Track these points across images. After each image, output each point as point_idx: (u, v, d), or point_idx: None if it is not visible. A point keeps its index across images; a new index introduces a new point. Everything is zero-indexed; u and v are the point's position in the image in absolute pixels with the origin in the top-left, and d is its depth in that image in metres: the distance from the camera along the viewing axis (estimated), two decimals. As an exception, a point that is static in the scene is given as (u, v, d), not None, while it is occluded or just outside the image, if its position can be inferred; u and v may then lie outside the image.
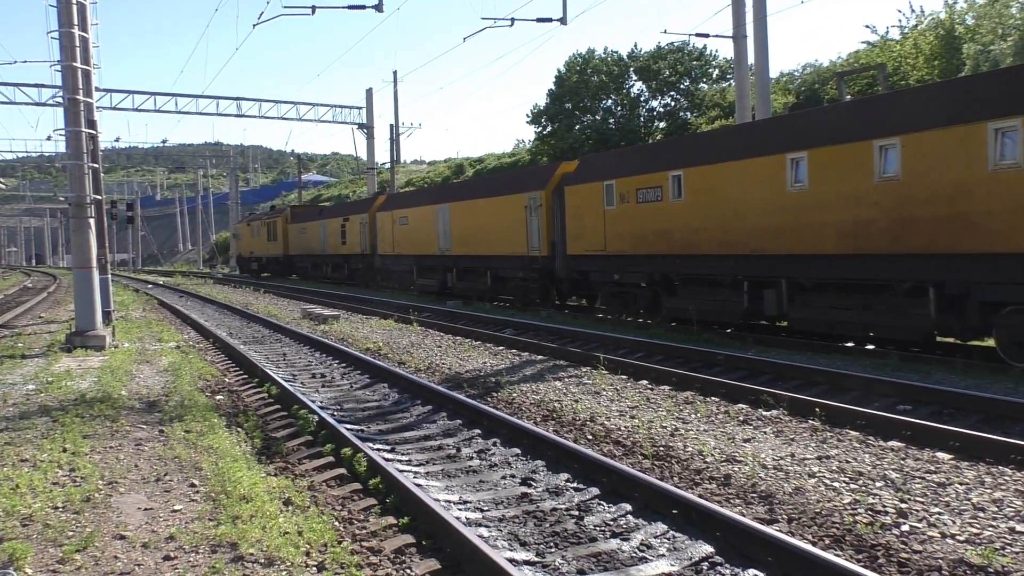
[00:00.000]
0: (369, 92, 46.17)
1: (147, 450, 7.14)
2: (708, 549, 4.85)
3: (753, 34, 20.56)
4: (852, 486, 5.91)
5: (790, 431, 7.63)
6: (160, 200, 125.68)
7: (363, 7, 24.60)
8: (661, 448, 7.13)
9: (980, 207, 10.07)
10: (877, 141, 11.31)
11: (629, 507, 5.64)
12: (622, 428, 7.92)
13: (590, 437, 7.68)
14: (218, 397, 10.14)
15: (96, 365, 12.27)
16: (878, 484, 5.93)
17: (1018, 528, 4.98)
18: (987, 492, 5.67)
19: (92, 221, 15.00)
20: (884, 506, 5.45)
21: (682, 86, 41.42)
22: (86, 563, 4.61)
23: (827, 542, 4.92)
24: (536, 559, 4.81)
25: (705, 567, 4.66)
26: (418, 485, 6.03)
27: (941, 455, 6.63)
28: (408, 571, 4.68)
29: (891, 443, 7.05)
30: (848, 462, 6.51)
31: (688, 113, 40.18)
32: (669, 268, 15.64)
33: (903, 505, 5.44)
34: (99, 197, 15.99)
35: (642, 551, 4.90)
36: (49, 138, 76.44)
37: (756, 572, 4.55)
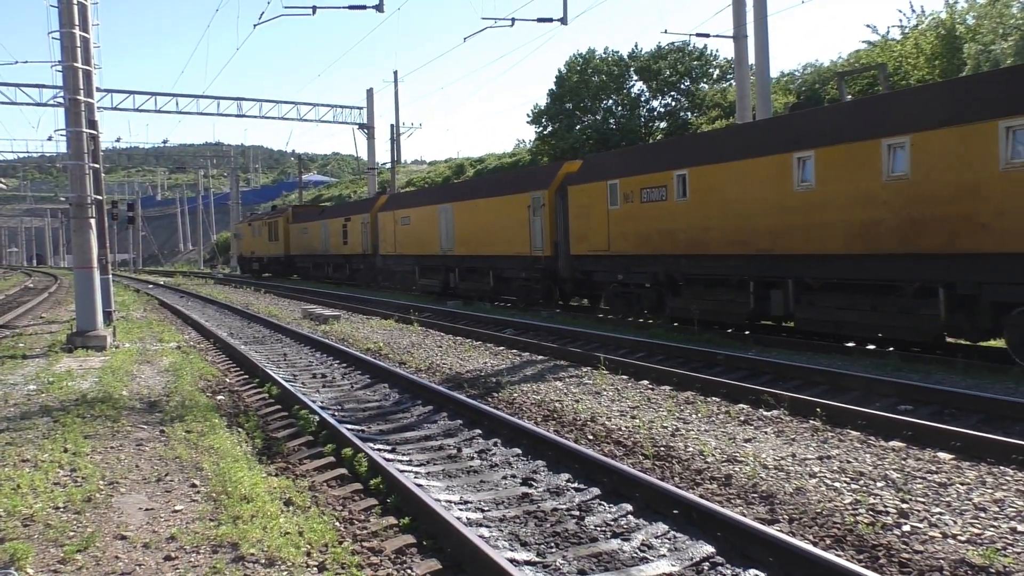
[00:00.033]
0: (370, 92, 46.21)
1: (148, 450, 7.15)
2: (709, 549, 4.85)
3: (754, 34, 20.57)
4: (853, 486, 5.91)
5: (791, 431, 7.62)
6: (161, 200, 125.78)
7: (364, 7, 24.62)
8: (662, 448, 7.13)
9: (991, 207, 9.94)
10: (886, 140, 11.19)
11: (630, 507, 5.63)
12: (623, 428, 7.92)
13: (591, 437, 7.68)
14: (219, 397, 10.14)
15: (97, 365, 12.27)
16: (879, 484, 5.93)
17: (1019, 528, 4.98)
18: (988, 492, 5.67)
19: (93, 221, 15.00)
20: (885, 506, 5.44)
21: (683, 86, 41.44)
22: (87, 563, 4.62)
23: (828, 542, 4.92)
24: (537, 559, 4.81)
25: (706, 567, 4.66)
26: (419, 485, 6.03)
27: (942, 455, 6.63)
28: (409, 571, 4.68)
29: (892, 443, 7.05)
30: (849, 462, 6.51)
31: (689, 113, 40.21)
32: (674, 268, 15.54)
33: (904, 505, 5.44)
34: (100, 197, 15.98)
35: (643, 551, 4.90)
36: (50, 138, 76.60)
37: (757, 572, 4.55)
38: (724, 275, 14.34)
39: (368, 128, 45.86)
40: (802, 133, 12.86)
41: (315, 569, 4.56)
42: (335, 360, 13.26)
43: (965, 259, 10.33)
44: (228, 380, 11.61)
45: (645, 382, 10.38)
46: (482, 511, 5.72)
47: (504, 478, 6.50)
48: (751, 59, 21.21)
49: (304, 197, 70.14)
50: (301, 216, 43.68)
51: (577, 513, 5.59)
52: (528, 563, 4.75)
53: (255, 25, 26.90)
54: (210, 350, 14.96)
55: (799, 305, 12.94)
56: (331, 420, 7.99)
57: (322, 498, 6.00)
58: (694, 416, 8.37)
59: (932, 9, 50.82)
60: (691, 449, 7.06)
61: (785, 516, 5.39)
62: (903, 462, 6.48)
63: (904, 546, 4.79)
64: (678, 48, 41.32)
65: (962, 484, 5.87)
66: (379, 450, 7.25)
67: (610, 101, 42.82)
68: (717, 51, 46.02)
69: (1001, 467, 6.23)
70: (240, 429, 8.21)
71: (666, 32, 53.68)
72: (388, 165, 46.63)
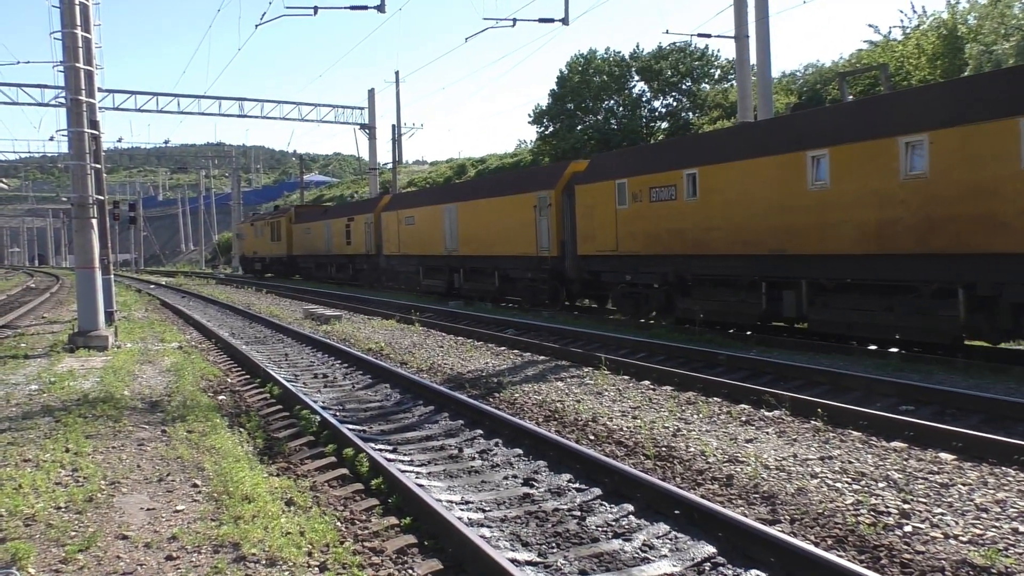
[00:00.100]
0: (371, 92, 46.27)
1: (149, 450, 7.15)
2: (710, 550, 4.85)
3: (755, 34, 20.58)
4: (855, 487, 5.91)
5: (792, 431, 7.62)
6: (162, 200, 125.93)
7: (365, 8, 24.64)
8: (663, 448, 7.13)
9: (1012, 206, 9.74)
10: (902, 138, 10.96)
11: (631, 507, 5.63)
12: (624, 428, 7.92)
13: (592, 437, 7.68)
14: (220, 397, 10.15)
15: (99, 365, 12.28)
16: (881, 485, 5.93)
17: (1021, 529, 4.98)
18: (990, 493, 5.67)
19: (95, 221, 15.02)
20: (887, 507, 5.44)
21: (684, 86, 41.47)
22: (88, 563, 4.62)
23: (830, 543, 4.92)
24: (538, 559, 4.81)
25: (707, 568, 4.66)
26: (420, 485, 6.03)
27: (944, 456, 6.62)
28: (410, 571, 4.68)
29: (894, 443, 7.04)
30: (851, 463, 6.51)
31: (690, 113, 40.21)
32: (683, 268, 15.32)
33: (906, 506, 5.44)
34: (101, 197, 16.00)
35: (644, 551, 4.90)
36: (52, 139, 76.71)
37: (758, 573, 4.55)
38: (735, 275, 14.12)
39: (369, 128, 45.90)
40: (816, 131, 12.62)
41: (316, 569, 4.56)
42: (336, 360, 13.27)
43: (985, 259, 10.07)
44: (230, 380, 11.62)
45: (646, 382, 10.38)
46: (483, 511, 5.72)
47: (505, 478, 6.50)
48: (753, 59, 21.21)
49: (305, 197, 70.10)
50: (304, 216, 43.55)
51: (578, 513, 5.59)
52: (529, 563, 4.75)
53: (257, 25, 26.99)
54: (212, 350, 14.97)
55: (812, 306, 12.71)
56: (332, 420, 7.99)
57: (323, 498, 6.00)
58: (695, 416, 8.37)
59: (934, 9, 50.85)
60: (692, 449, 7.06)
61: (787, 516, 5.39)
62: (905, 462, 6.47)
63: (906, 547, 4.79)
64: (680, 48, 41.35)
65: (964, 485, 5.86)
66: (380, 450, 7.25)
67: (611, 101, 42.84)
68: (719, 51, 46.10)
69: (1003, 467, 6.23)
70: (241, 429, 8.22)
71: (668, 32, 53.76)
72: (389, 165, 46.68)
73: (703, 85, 41.16)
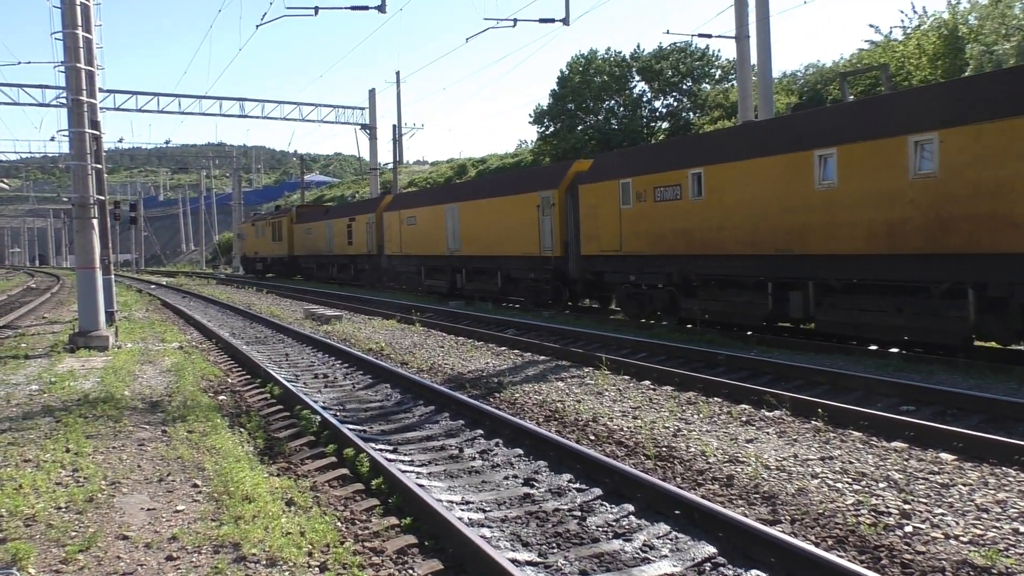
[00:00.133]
0: (372, 93, 46.32)
1: (150, 450, 7.16)
2: (711, 550, 4.85)
3: (756, 34, 20.57)
4: (855, 487, 5.90)
5: (793, 432, 7.62)
6: (163, 201, 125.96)
7: (366, 8, 24.65)
8: (664, 449, 7.13)
9: (1023, 206, 9.63)
10: (912, 136, 10.83)
11: (631, 508, 5.63)
12: (624, 429, 7.92)
13: (592, 438, 7.67)
14: (221, 397, 10.15)
15: (99, 365, 12.29)
16: (881, 485, 5.93)
17: (1022, 529, 4.97)
18: (991, 493, 5.66)
19: (95, 222, 15.03)
20: (887, 507, 5.44)
21: (685, 86, 41.46)
22: (89, 563, 4.62)
23: (830, 543, 4.92)
24: (538, 560, 4.81)
25: (708, 568, 4.66)
26: (420, 486, 6.03)
27: (944, 456, 6.62)
28: (410, 571, 4.68)
29: (894, 444, 7.04)
30: (851, 463, 6.51)
31: (691, 114, 40.21)
32: (689, 269, 15.19)
33: (906, 506, 5.44)
34: (102, 198, 16.01)
35: (644, 552, 4.89)
36: (53, 139, 76.66)
37: (759, 573, 4.55)
38: (741, 276, 14.00)
39: (370, 128, 45.93)
40: (824, 130, 12.50)
41: (316, 569, 4.56)
42: (337, 360, 13.27)
43: (996, 259, 9.92)
44: (230, 380, 11.62)
45: (647, 382, 10.38)
46: (484, 511, 5.72)
47: (506, 478, 6.50)
48: (753, 59, 21.20)
49: (306, 197, 70.15)
50: (305, 216, 43.51)
51: (579, 513, 5.59)
52: (530, 563, 4.75)
53: (257, 26, 26.97)
54: (212, 350, 14.98)
55: (819, 307, 12.60)
56: (333, 420, 7.99)
57: (324, 498, 6.00)
58: (696, 416, 8.37)
59: (934, 9, 50.89)
60: (693, 449, 7.06)
61: (787, 517, 5.39)
62: (905, 463, 6.47)
63: (906, 547, 4.79)
64: (680, 48, 41.35)
65: (964, 485, 5.86)
66: (381, 450, 7.25)
67: (612, 101, 42.83)
68: (719, 51, 46.09)
69: (1003, 468, 6.23)
70: (242, 429, 8.22)
71: (668, 32, 53.75)
72: (390, 165, 46.68)
73: (704, 85, 41.16)
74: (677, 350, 12.50)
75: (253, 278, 48.12)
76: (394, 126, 42.46)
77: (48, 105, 39.82)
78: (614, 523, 5.39)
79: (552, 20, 23.55)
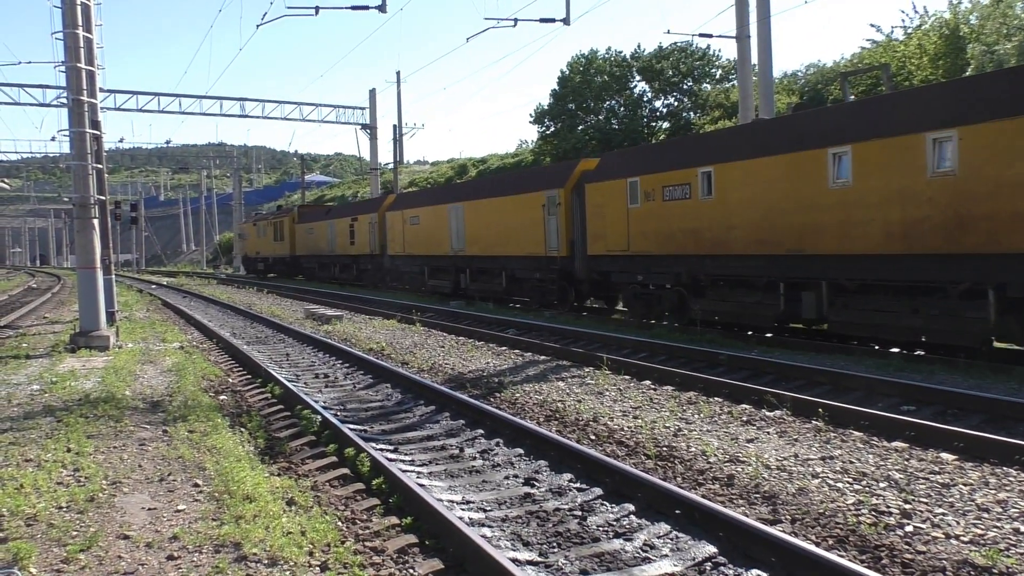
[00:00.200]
0: (372, 92, 46.33)
1: (151, 450, 7.16)
2: (711, 549, 4.85)
3: (756, 34, 20.56)
4: (856, 487, 5.90)
5: (793, 431, 7.62)
6: (164, 200, 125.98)
7: (366, 8, 24.65)
8: (664, 448, 7.13)
9: None
10: (930, 134, 10.58)
11: (632, 507, 5.63)
12: (625, 428, 7.92)
13: (593, 437, 7.68)
14: (221, 397, 10.16)
15: (100, 365, 12.30)
16: (882, 485, 5.93)
17: (1022, 529, 4.97)
18: (991, 493, 5.66)
19: (96, 222, 15.04)
20: (888, 507, 5.44)
21: (685, 86, 41.44)
22: (90, 563, 4.63)
23: (831, 543, 4.92)
24: (539, 559, 4.81)
25: (708, 567, 4.66)
26: (421, 485, 6.04)
27: (945, 456, 6.62)
28: (411, 571, 4.68)
29: (895, 444, 7.04)
30: (852, 463, 6.51)
31: (691, 113, 40.20)
32: (698, 269, 14.95)
33: (907, 506, 5.44)
34: (103, 198, 16.02)
35: (645, 551, 4.90)
36: (53, 139, 76.75)
37: (759, 572, 4.55)
38: (752, 276, 13.77)
39: (371, 128, 45.93)
40: (837, 128, 12.30)
41: (317, 569, 4.56)
42: (337, 360, 13.27)
43: (1017, 259, 9.69)
44: (231, 380, 11.63)
45: (647, 382, 10.38)
46: (484, 511, 5.73)
47: (506, 478, 6.51)
48: (754, 59, 21.19)
49: (307, 197, 70.17)
50: (307, 216, 43.41)
51: (579, 513, 5.59)
52: (530, 563, 4.75)
53: (258, 25, 26.95)
54: (213, 350, 14.99)
55: (833, 308, 12.38)
56: (333, 420, 8.00)
57: (324, 498, 6.00)
58: (696, 416, 8.37)
59: (935, 9, 50.81)
60: (693, 449, 7.06)
61: (788, 516, 5.39)
62: (906, 463, 6.47)
63: (907, 547, 4.79)
64: (681, 48, 41.33)
65: (965, 485, 5.86)
66: (381, 450, 7.26)
67: (613, 101, 42.82)
68: (720, 51, 45.96)
69: (1004, 468, 6.23)
70: (243, 429, 8.23)
71: (669, 32, 53.49)
72: (390, 165, 46.72)
73: (704, 85, 41.13)
74: (678, 350, 12.50)
75: (254, 278, 48.10)
76: (394, 126, 42.56)
77: (49, 105, 39.84)
78: (615, 523, 5.39)
79: (552, 20, 23.55)
